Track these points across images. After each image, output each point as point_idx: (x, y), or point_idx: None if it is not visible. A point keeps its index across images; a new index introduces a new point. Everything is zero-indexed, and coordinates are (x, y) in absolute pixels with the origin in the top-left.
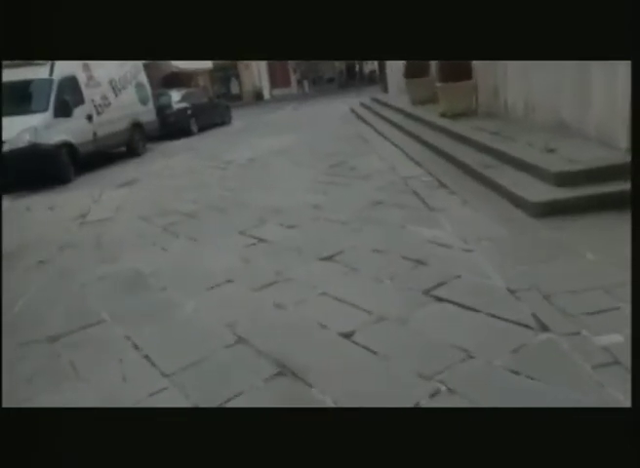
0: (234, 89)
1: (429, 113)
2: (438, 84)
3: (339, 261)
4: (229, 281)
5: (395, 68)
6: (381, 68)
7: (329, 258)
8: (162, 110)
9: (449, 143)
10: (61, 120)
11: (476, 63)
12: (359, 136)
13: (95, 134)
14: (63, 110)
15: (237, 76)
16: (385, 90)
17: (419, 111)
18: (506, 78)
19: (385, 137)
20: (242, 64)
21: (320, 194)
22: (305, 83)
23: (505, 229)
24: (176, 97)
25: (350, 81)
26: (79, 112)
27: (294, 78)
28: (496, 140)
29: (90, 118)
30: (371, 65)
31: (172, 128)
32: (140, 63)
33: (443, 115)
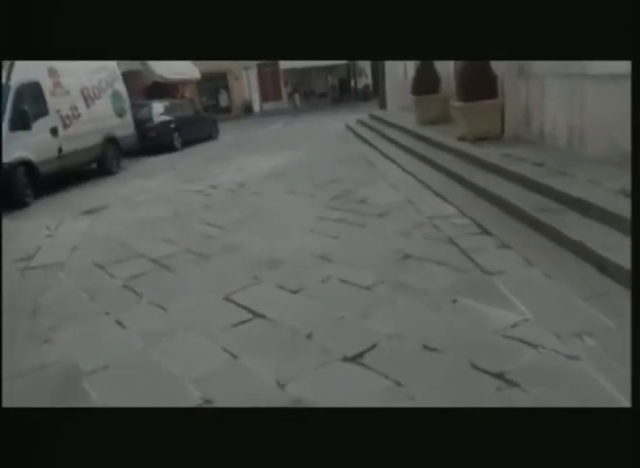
0: (223, 101)
1: (443, 135)
2: (457, 103)
3: (373, 367)
4: (208, 401)
5: (395, 83)
6: (377, 83)
7: (357, 359)
8: (142, 123)
9: (476, 173)
10: (19, 134)
11: (504, 80)
12: (362, 157)
13: (60, 150)
14: (21, 122)
15: (226, 88)
16: (383, 106)
17: (430, 132)
18: (544, 98)
19: (393, 161)
20: (232, 76)
21: (327, 237)
22: (297, 97)
23: (607, 314)
24: (158, 108)
25: (343, 96)
26: (41, 125)
27: (285, 92)
28: (544, 175)
29: (54, 131)
30: (365, 80)
31: (152, 143)
32: (116, 70)
33: (461, 139)
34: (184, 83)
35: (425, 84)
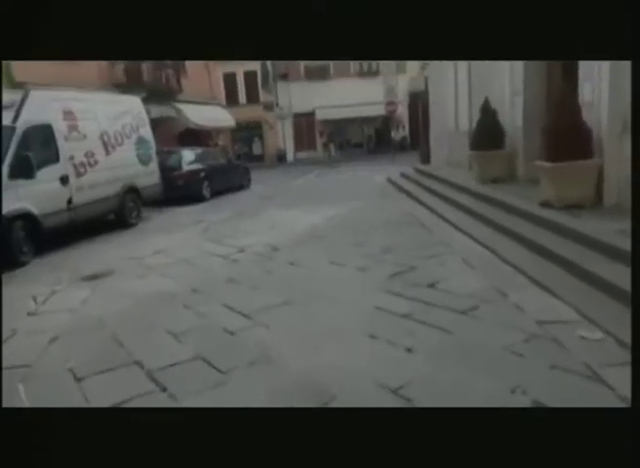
0: (256, 149)
1: (517, 198)
2: (542, 163)
3: None
4: None
5: (443, 136)
6: (416, 135)
7: None
8: (170, 171)
9: (588, 257)
10: (20, 183)
11: (603, 136)
12: (414, 219)
13: (70, 201)
14: (23, 170)
15: (260, 136)
16: (426, 160)
17: (497, 193)
18: None
19: (456, 227)
20: (267, 125)
21: (397, 349)
22: (332, 147)
23: None
24: (188, 156)
25: (379, 147)
26: (49, 173)
27: (320, 141)
28: None
29: (65, 180)
30: (402, 132)
31: (180, 192)
32: (143, 115)
33: (545, 204)
34: (218, 131)
35: (488, 138)
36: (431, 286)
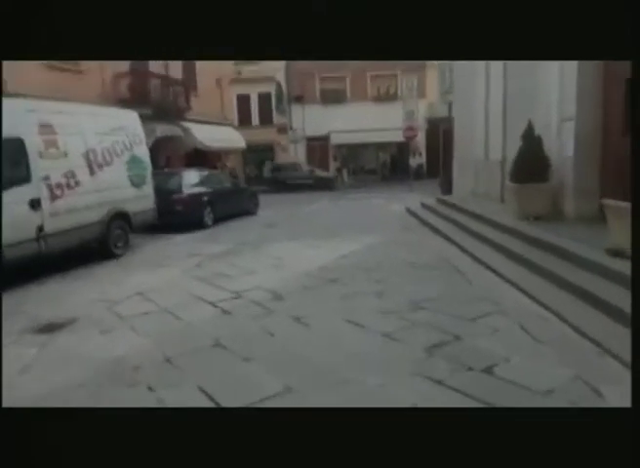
0: (267, 172)
1: (573, 242)
2: (615, 202)
3: None
4: None
5: (469, 164)
6: (434, 162)
7: None
8: (168, 195)
9: None
10: None
11: None
12: (444, 261)
13: (40, 228)
14: None
15: (272, 159)
16: (447, 189)
17: (546, 234)
18: None
19: (501, 276)
20: (279, 147)
21: None
22: (345, 172)
23: None
24: (190, 179)
25: (394, 174)
26: (14, 195)
27: (333, 166)
28: None
29: (35, 204)
30: (418, 159)
31: (179, 218)
32: (139, 132)
33: (615, 253)
34: (228, 152)
35: (531, 169)
36: (488, 371)
